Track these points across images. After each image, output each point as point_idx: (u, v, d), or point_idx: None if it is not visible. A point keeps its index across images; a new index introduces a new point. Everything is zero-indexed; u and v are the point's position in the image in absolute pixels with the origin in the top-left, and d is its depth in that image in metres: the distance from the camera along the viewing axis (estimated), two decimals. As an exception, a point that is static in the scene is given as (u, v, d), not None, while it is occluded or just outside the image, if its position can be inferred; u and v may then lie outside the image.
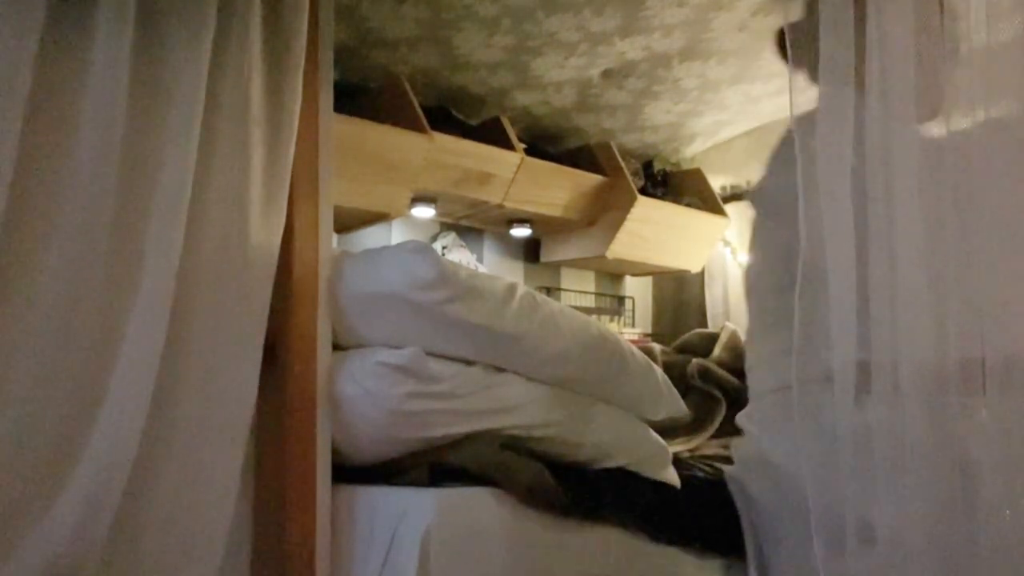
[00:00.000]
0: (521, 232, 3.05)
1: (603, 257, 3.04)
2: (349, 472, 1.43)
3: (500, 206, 2.77)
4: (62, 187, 1.17)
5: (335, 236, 1.58)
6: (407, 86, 2.45)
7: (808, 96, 1.07)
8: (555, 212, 2.90)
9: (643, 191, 3.02)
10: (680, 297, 3.57)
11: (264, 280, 1.35)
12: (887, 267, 0.98)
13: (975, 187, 0.96)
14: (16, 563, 1.09)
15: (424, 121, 2.41)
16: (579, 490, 1.41)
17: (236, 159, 1.32)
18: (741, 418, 1.52)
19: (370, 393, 1.36)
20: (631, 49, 2.46)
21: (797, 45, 1.13)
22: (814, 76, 1.06)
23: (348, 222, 2.59)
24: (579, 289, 3.41)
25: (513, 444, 1.43)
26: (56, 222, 1.16)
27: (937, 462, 0.95)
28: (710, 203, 3.23)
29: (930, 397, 0.95)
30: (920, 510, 0.95)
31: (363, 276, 1.43)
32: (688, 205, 3.17)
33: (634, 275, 3.55)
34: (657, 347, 2.75)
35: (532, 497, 1.35)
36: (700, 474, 1.77)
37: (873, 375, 0.98)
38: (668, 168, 3.27)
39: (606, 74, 2.61)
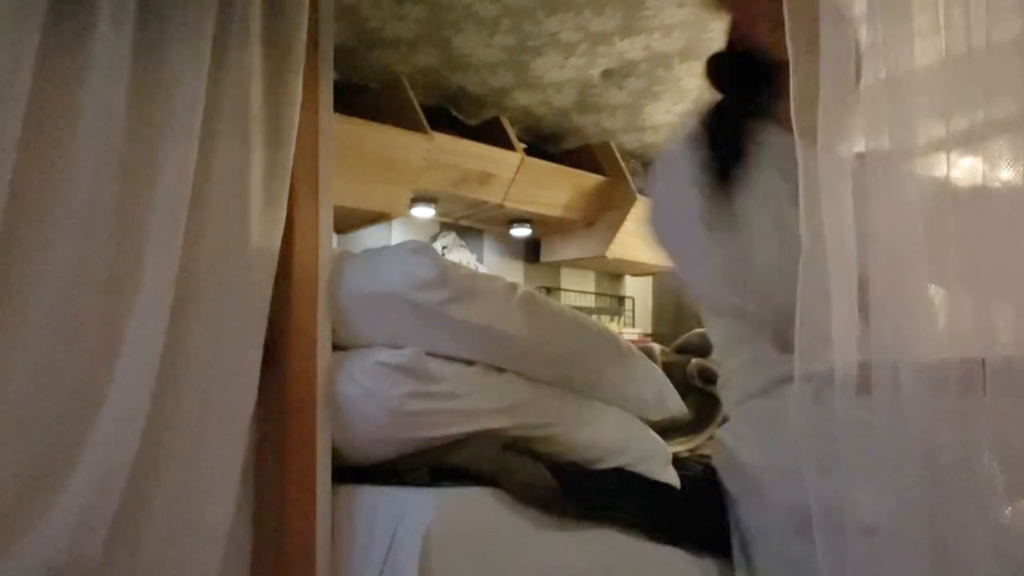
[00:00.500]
0: (521, 232, 3.05)
1: (603, 257, 3.05)
2: (349, 472, 1.43)
3: (500, 206, 2.77)
4: (62, 187, 1.17)
5: (335, 236, 1.58)
6: (407, 86, 2.45)
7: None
8: (555, 212, 2.91)
9: (643, 191, 3.02)
10: (680, 297, 3.56)
11: (264, 280, 1.35)
12: (887, 267, 0.98)
13: (975, 187, 0.96)
14: (15, 563, 1.09)
15: (424, 121, 2.41)
16: (579, 490, 1.41)
17: (236, 159, 1.32)
18: (716, 432, 1.58)
19: (370, 393, 1.36)
20: (631, 49, 2.46)
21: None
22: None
23: (348, 222, 2.59)
24: (579, 289, 3.41)
25: (513, 444, 1.43)
26: (56, 222, 1.16)
27: (936, 462, 0.95)
28: (710, 203, 3.22)
29: (930, 397, 0.95)
30: (920, 510, 0.95)
31: (363, 276, 1.43)
32: (688, 205, 3.17)
33: (634, 275, 3.55)
34: (657, 347, 2.74)
35: (532, 497, 1.35)
36: (700, 474, 1.76)
37: (873, 375, 0.98)
38: (668, 168, 3.27)
39: (606, 74, 2.62)
